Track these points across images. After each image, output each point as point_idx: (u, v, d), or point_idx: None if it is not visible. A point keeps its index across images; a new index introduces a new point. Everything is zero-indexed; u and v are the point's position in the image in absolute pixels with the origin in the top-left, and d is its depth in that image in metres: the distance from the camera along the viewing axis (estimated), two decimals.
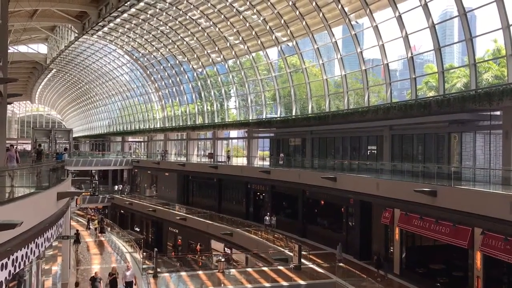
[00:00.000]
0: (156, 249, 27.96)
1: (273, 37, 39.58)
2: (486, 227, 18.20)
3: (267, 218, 34.84)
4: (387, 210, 24.69)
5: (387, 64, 30.49)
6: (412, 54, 28.27)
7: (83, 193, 50.17)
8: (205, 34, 46.66)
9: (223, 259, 26.49)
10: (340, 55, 34.46)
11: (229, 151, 47.95)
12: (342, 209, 30.94)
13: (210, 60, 50.12)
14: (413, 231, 23.17)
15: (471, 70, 24.52)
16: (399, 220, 23.59)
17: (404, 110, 26.55)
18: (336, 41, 34.37)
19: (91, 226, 41.95)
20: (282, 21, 37.13)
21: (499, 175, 22.02)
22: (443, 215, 20.55)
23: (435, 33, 26.03)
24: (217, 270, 25.37)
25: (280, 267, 25.79)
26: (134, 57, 63.44)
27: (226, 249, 36.87)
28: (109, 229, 41.44)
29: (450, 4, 24.79)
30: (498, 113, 23.10)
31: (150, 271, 24.58)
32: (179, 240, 45.72)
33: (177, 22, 47.67)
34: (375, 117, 29.17)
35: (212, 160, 49.42)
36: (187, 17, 45.50)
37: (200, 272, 26.47)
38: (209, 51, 49.04)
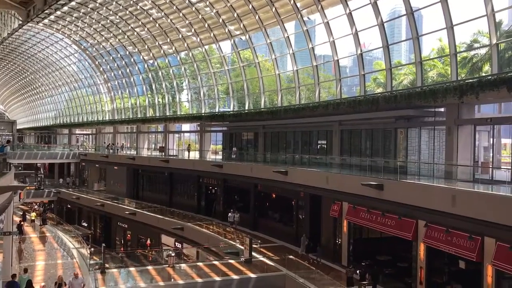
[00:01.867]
0: (104, 245, 27.29)
1: (226, 30, 39.37)
2: (429, 219, 18.91)
3: (230, 214, 33.62)
4: (336, 203, 25.22)
5: (338, 60, 31.02)
6: (361, 51, 28.91)
7: (27, 187, 48.17)
8: (157, 25, 45.78)
9: (173, 254, 26.20)
10: (292, 51, 34.75)
11: (189, 145, 47.11)
12: (293, 202, 31.35)
13: (162, 51, 49.27)
14: (360, 224, 23.78)
15: (417, 68, 25.36)
16: (347, 213, 24.14)
17: (353, 106, 27.13)
18: (288, 36, 34.63)
19: (27, 217, 40.43)
20: (235, 15, 36.98)
21: (442, 169, 22.92)
22: (389, 208, 21.19)
23: (383, 31, 26.70)
24: (167, 265, 25.08)
25: (231, 261, 25.82)
26: (83, 47, 61.40)
27: (176, 243, 36.50)
28: (50, 222, 40.03)
29: (398, 3, 25.50)
30: (442, 109, 24.01)
31: (98, 267, 23.97)
32: (129, 235, 44.84)
33: (127, 12, 46.48)
34: (325, 112, 29.67)
35: (163, 153, 48.69)
36: (138, 7, 44.45)
37: (149, 267, 26.05)
38: (160, 43, 48.18)
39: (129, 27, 49.29)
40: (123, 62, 57.25)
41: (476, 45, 29.95)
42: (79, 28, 55.31)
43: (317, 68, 33.15)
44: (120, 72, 59.61)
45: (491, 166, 21.94)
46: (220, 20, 38.94)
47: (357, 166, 27.02)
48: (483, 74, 24.40)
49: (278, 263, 24.79)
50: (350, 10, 28.05)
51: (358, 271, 21.76)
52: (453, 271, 19.73)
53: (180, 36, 44.69)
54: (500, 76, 18.81)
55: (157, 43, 48.48)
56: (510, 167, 20.46)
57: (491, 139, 23.20)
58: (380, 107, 25.43)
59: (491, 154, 23.18)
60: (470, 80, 20.64)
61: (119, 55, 57.01)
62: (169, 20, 43.72)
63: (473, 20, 21.93)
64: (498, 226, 15.43)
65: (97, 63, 62.22)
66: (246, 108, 40.20)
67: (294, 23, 35.17)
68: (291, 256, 25.14)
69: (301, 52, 35.84)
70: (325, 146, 32.74)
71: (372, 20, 26.73)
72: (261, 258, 26.04)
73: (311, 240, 27.01)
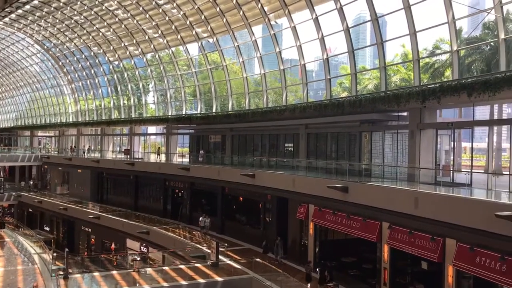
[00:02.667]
0: (67, 249, 26.60)
1: (194, 33, 39.20)
2: (393, 221, 19.30)
3: (202, 219, 32.54)
4: (302, 205, 25.42)
5: (304, 64, 31.36)
6: (327, 55, 29.31)
7: None
8: (123, 26, 45.13)
9: (138, 258, 25.79)
10: (260, 54, 34.91)
11: (159, 148, 46.33)
12: (260, 205, 31.40)
13: (128, 53, 48.58)
14: (326, 226, 24.03)
15: (381, 73, 25.91)
16: (313, 215, 24.38)
17: (319, 110, 27.46)
18: (256, 40, 34.79)
19: None
20: (203, 17, 36.88)
21: (405, 172, 23.47)
22: (354, 210, 21.51)
23: (349, 36, 27.18)
24: (132, 270, 24.66)
25: (198, 265, 25.62)
26: (46, 47, 59.83)
27: (142, 248, 35.97)
28: (9, 226, 38.75)
29: (363, 9, 25.99)
30: (405, 114, 24.61)
31: (61, 272, 23.34)
32: (93, 240, 43.89)
33: (92, 12, 45.62)
34: (292, 116, 29.95)
35: (128, 156, 47.93)
36: (103, 7, 43.72)
37: (114, 272, 25.55)
38: (126, 44, 47.50)
39: (94, 28, 48.39)
40: (88, 63, 56.13)
41: (438, 51, 30.87)
42: (42, 28, 53.89)
43: (284, 72, 33.42)
44: (84, 73, 58.38)
45: (452, 169, 22.59)
46: (188, 22, 38.74)
47: (323, 169, 27.33)
48: (445, 80, 25.15)
49: (245, 266, 24.77)
50: (316, 15, 28.43)
51: (317, 269, 22.62)
52: (416, 271, 20.20)
53: (147, 37, 44.20)
54: (460, 82, 19.45)
55: (122, 44, 47.77)
56: (470, 170, 21.10)
57: (452, 143, 23.90)
58: (346, 111, 25.85)
59: (452, 157, 23.87)
60: (432, 85, 21.25)
61: (83, 56, 55.87)
62: (135, 21, 43.19)
63: (435, 27, 22.60)
64: (458, 228, 15.90)
65: (60, 63, 60.77)
66: (214, 110, 40.09)
67: (261, 26, 35.42)
68: (258, 259, 25.18)
69: (269, 55, 36.04)
70: (292, 149, 33.01)
71: (338, 25, 27.18)
72: (228, 261, 25.96)
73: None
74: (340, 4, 26.53)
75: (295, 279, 22.25)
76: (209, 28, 37.27)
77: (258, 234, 30.43)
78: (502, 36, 19.51)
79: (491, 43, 24.76)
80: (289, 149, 33.63)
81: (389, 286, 19.67)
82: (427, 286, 19.36)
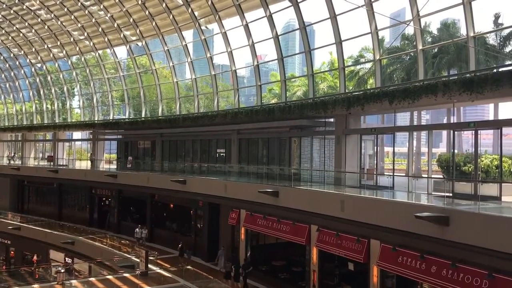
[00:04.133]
0: None
1: (122, 36, 38.17)
2: (321, 224, 19.79)
3: (138, 230, 31.38)
4: (234, 211, 25.46)
5: (235, 70, 31.53)
6: (258, 62, 29.66)
7: None
8: (46, 27, 43.01)
9: (62, 270, 24.56)
10: (191, 59, 34.66)
11: (91, 154, 44.15)
12: (191, 211, 31.08)
13: (51, 55, 46.35)
14: (257, 230, 24.20)
15: (309, 80, 26.61)
16: (245, 220, 24.47)
17: (250, 116, 27.69)
18: (186, 45, 34.49)
19: None
20: (131, 20, 36.03)
21: (332, 176, 24.20)
22: (284, 214, 21.82)
23: (278, 43, 27.68)
24: (56, 282, 23.42)
25: (126, 274, 24.84)
26: None
27: (67, 259, 34.31)
28: None
29: (292, 17, 26.60)
30: (332, 120, 25.41)
31: None
32: (12, 252, 41.25)
33: (11, 12, 43.06)
34: (224, 121, 29.97)
35: (52, 163, 45.62)
36: (24, 6, 41.41)
37: (36, 286, 24.17)
38: (50, 46, 45.30)
39: (14, 28, 45.71)
40: (7, 65, 52.90)
41: (362, 60, 32.27)
42: None
43: (216, 77, 33.40)
44: (3, 76, 54.94)
45: (375, 173, 23.60)
46: (115, 25, 37.68)
47: (254, 174, 27.55)
48: (368, 87, 26.31)
49: (176, 274, 24.37)
50: (246, 22, 28.70)
51: (232, 266, 23.79)
52: (343, 272, 20.83)
53: (72, 39, 42.44)
54: (382, 90, 20.40)
55: (46, 46, 45.50)
56: (392, 174, 22.15)
57: (375, 148, 24.99)
58: (276, 117, 26.25)
59: (375, 161, 24.94)
60: (357, 93, 22.14)
61: (2, 57, 52.56)
62: (59, 22, 41.32)
63: (359, 37, 23.55)
64: (382, 229, 16.58)
65: None
66: (143, 115, 39.23)
67: (192, 31, 35.17)
68: (188, 267, 24.86)
69: (200, 60, 35.87)
70: (224, 154, 32.99)
71: (268, 33, 27.62)
72: (158, 270, 25.41)
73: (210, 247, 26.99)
74: (270, 12, 26.97)
75: (226, 285, 22.20)
76: (137, 31, 36.47)
77: (190, 241, 30.07)
78: (420, 46, 20.73)
79: (411, 53, 26.25)
80: (221, 154, 33.58)
81: None
82: (354, 286, 20.03)
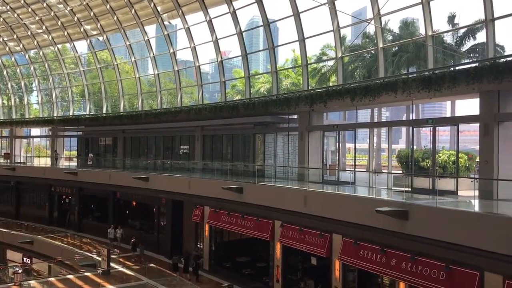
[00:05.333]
0: None
1: (82, 30, 37.25)
2: (285, 219, 19.98)
3: (111, 230, 29.97)
4: (198, 207, 25.34)
5: (199, 66, 31.32)
6: (222, 58, 29.56)
7: None
8: (1, 19, 41.44)
9: (20, 270, 23.80)
10: (153, 54, 34.20)
11: (55, 150, 42.62)
12: (154, 209, 30.73)
13: (7, 48, 44.72)
14: (221, 227, 24.20)
15: (273, 77, 26.75)
16: (209, 217, 24.41)
17: (214, 112, 27.60)
18: (149, 40, 34.00)
19: None
20: (92, 14, 35.21)
21: (295, 172, 24.46)
22: (249, 211, 21.91)
23: (242, 40, 27.66)
24: (13, 283, 22.68)
25: (88, 273, 24.31)
26: None
27: (25, 259, 33.26)
28: None
29: (257, 14, 26.63)
30: (295, 116, 25.65)
31: None
32: None
33: None
34: (188, 118, 29.75)
35: (8, 161, 44.10)
36: None
37: None
38: (5, 39, 43.70)
39: None
40: None
41: (324, 57, 32.69)
42: None
43: (179, 73, 33.08)
44: None
45: (337, 169, 24.00)
46: (75, 19, 36.72)
47: (218, 170, 27.49)
48: (331, 85, 26.69)
49: (139, 272, 24.02)
50: (210, 17, 28.55)
51: (182, 259, 24.15)
52: (306, 267, 21.09)
53: (29, 33, 41.08)
54: (344, 87, 20.73)
55: (1, 39, 43.85)
56: (353, 169, 22.57)
57: (337, 144, 25.41)
58: (240, 114, 26.28)
59: (337, 157, 25.37)
60: (319, 90, 22.39)
61: None
62: (15, 15, 39.90)
63: (321, 34, 23.84)
64: (343, 223, 16.90)
65: None
66: (104, 111, 38.44)
67: (155, 26, 34.67)
68: (152, 264, 24.59)
69: (163, 56, 35.42)
70: (188, 151, 32.76)
71: (232, 29, 27.56)
72: (120, 268, 24.99)
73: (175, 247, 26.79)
74: (233, 8, 26.92)
75: (190, 282, 22.10)
76: (98, 25, 35.66)
77: (153, 239, 29.73)
78: (380, 45, 21.18)
79: (372, 51, 26.77)
80: (185, 151, 33.33)
81: (281, 283, 20.33)
82: (317, 280, 20.32)
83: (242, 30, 27.86)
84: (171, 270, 24.18)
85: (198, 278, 23.33)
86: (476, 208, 15.12)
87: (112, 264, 24.73)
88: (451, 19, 28.39)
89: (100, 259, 25.28)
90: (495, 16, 16.64)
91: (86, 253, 28.03)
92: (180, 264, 24.38)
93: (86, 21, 36.65)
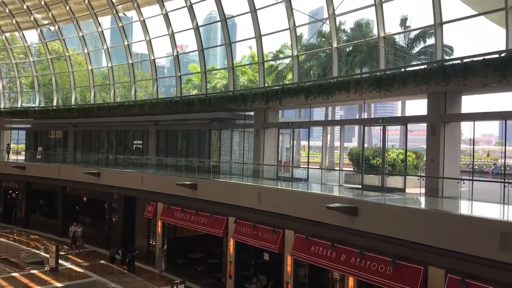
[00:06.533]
0: None
1: (32, 19, 35.85)
2: (239, 216, 20.01)
3: (73, 228, 27.91)
4: (151, 204, 24.99)
5: (154, 60, 30.85)
6: (178, 52, 29.23)
7: None
8: None
9: None
10: (107, 46, 33.38)
11: (8, 144, 40.48)
12: (106, 205, 30.05)
13: None
14: (175, 224, 23.98)
15: (230, 73, 26.71)
16: (162, 213, 24.12)
17: (169, 107, 27.28)
18: (102, 31, 33.16)
19: None
20: (43, 2, 33.92)
21: (251, 168, 24.56)
22: (203, 207, 21.79)
23: (199, 34, 27.44)
24: None
25: (34, 271, 23.49)
26: None
27: None
28: None
29: (214, 9, 26.48)
30: (251, 113, 25.73)
31: None
32: None
33: None
34: (142, 112, 29.25)
35: None
36: None
37: None
38: None
39: None
40: None
41: (281, 55, 32.95)
42: None
43: (133, 66, 32.45)
44: None
45: (291, 166, 24.29)
46: (25, 7, 35.27)
47: (173, 166, 27.22)
48: (286, 82, 26.94)
49: (88, 269, 23.48)
50: (166, 11, 28.16)
51: (119, 251, 25.00)
52: (259, 263, 21.26)
53: None
54: (299, 85, 20.96)
55: None
56: (306, 166, 22.92)
57: (292, 141, 25.70)
58: (196, 109, 26.10)
59: (291, 155, 25.67)
60: (275, 87, 22.55)
61: None
62: None
63: (278, 32, 24.01)
64: (296, 219, 17.13)
65: None
66: (55, 104, 37.22)
67: (110, 18, 33.85)
68: (102, 261, 24.07)
69: (118, 48, 34.62)
70: (142, 146, 32.23)
71: (189, 23, 27.30)
72: (69, 265, 24.34)
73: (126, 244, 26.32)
74: (190, 2, 26.67)
75: (142, 279, 21.80)
76: (50, 15, 34.43)
77: (104, 236, 29.10)
78: (335, 44, 21.56)
79: (327, 51, 27.21)
80: (138, 146, 32.78)
81: (234, 279, 20.39)
82: (269, 276, 20.51)
83: (199, 24, 27.66)
84: (108, 261, 24.50)
85: (134, 269, 23.64)
86: (422, 205, 15.69)
87: (60, 261, 24.09)
88: (403, 21, 29.29)
89: (48, 256, 24.55)
90: (444, 20, 17.29)
91: (33, 250, 27.11)
92: (117, 256, 25.01)
93: (37, 9, 35.29)
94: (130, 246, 24.99)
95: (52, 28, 36.05)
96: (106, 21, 35.10)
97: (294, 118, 29.41)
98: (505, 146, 19.16)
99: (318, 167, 26.14)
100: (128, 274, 22.22)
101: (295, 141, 26.17)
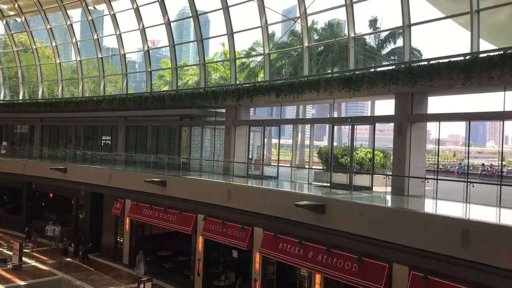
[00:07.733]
0: None
1: None
2: (208, 213, 19.94)
3: (50, 227, 27.74)
4: (119, 200, 24.65)
5: (124, 54, 30.39)
6: (148, 47, 28.88)
7: None
8: None
9: None
10: (76, 40, 32.69)
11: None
12: (73, 201, 29.49)
13: None
14: (143, 221, 23.71)
15: (201, 70, 26.56)
16: (130, 210, 23.83)
17: (139, 102, 26.92)
18: (72, 24, 32.46)
19: None
20: None
21: (221, 165, 24.47)
22: (172, 204, 21.63)
23: (170, 30, 27.18)
24: None
25: None
26: None
27: None
28: None
29: (187, 4, 26.26)
30: (223, 110, 25.64)
31: None
32: None
33: None
34: (111, 107, 28.79)
35: None
36: None
37: None
38: None
39: None
40: None
41: (253, 53, 32.94)
42: None
43: (103, 61, 31.90)
44: None
45: (261, 163, 24.33)
46: None
47: (142, 162, 26.89)
48: (258, 80, 26.95)
49: (53, 267, 23.03)
50: (137, 5, 27.78)
51: (72, 244, 25.65)
52: (227, 260, 21.27)
53: None
54: (270, 83, 21.02)
55: None
56: (277, 164, 22.99)
57: (263, 139, 25.75)
58: (166, 105, 25.84)
59: (262, 152, 25.71)
60: (247, 85, 22.51)
61: None
62: None
63: (249, 30, 23.96)
64: (265, 217, 17.19)
65: None
66: (21, 98, 36.24)
67: (80, 11, 33.13)
68: (68, 259, 23.63)
69: (88, 42, 33.96)
70: (110, 142, 31.74)
71: (160, 18, 26.98)
72: (33, 263, 23.80)
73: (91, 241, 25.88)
74: None
75: (109, 277, 21.48)
76: (16, 5, 33.48)
77: (70, 233, 28.53)
78: (306, 43, 21.69)
79: (298, 50, 27.36)
80: (107, 142, 32.26)
81: (202, 276, 20.32)
82: (238, 273, 20.53)
83: (171, 20, 27.39)
84: (62, 254, 24.92)
85: (88, 262, 24.02)
86: (388, 204, 15.97)
87: (24, 259, 23.56)
88: (373, 22, 29.68)
89: (11, 253, 23.95)
90: (412, 22, 17.61)
91: None
92: (70, 248, 25.58)
93: (2, 0, 34.26)
94: (83, 239, 25.14)
95: (18, 19, 35.08)
96: (76, 14, 34.42)
97: (266, 116, 29.46)
98: (469, 146, 19.70)
99: (288, 165, 26.25)
100: (95, 271, 21.86)
101: (266, 139, 26.26)
